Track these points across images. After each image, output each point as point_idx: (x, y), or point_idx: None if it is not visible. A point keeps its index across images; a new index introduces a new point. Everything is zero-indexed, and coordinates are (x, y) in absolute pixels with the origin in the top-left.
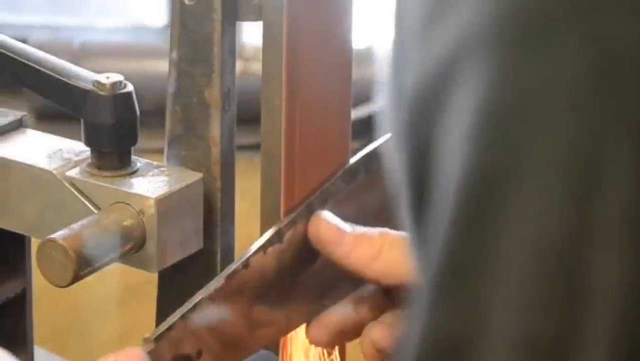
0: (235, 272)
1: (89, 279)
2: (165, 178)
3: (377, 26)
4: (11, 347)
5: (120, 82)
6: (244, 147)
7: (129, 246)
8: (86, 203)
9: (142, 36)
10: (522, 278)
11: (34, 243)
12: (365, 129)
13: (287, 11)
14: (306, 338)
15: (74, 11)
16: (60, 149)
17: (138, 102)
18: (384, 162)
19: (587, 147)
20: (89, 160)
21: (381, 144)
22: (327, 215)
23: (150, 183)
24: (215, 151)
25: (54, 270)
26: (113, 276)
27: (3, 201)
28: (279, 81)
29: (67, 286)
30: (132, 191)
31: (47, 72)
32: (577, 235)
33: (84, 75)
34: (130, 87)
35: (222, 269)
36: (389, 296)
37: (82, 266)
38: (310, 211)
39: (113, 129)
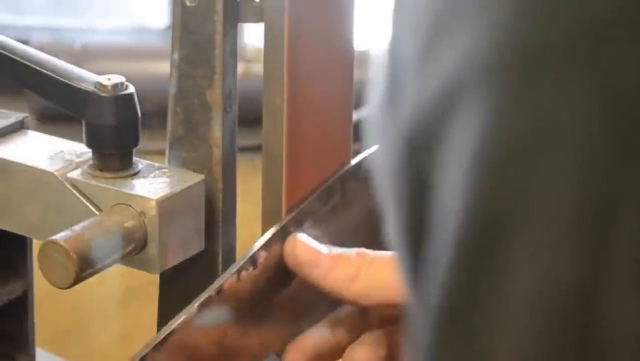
0: (208, 300)
1: (91, 280)
2: (167, 180)
3: (378, 27)
4: (12, 349)
5: (122, 83)
6: (245, 149)
7: (130, 248)
8: (87, 204)
9: (144, 38)
10: (524, 330)
11: (36, 245)
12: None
13: (288, 13)
14: None
15: (76, 13)
16: (62, 151)
17: (139, 103)
18: (359, 183)
19: (597, 198)
20: (91, 161)
21: (357, 164)
22: (302, 237)
23: (152, 184)
24: (217, 152)
25: (55, 272)
26: (114, 278)
27: (4, 202)
28: (281, 82)
29: (69, 287)
30: (134, 192)
31: (49, 73)
32: (588, 288)
33: (86, 76)
34: (131, 89)
35: (223, 270)
36: (365, 317)
37: (84, 267)
38: (285, 234)
39: (114, 130)
